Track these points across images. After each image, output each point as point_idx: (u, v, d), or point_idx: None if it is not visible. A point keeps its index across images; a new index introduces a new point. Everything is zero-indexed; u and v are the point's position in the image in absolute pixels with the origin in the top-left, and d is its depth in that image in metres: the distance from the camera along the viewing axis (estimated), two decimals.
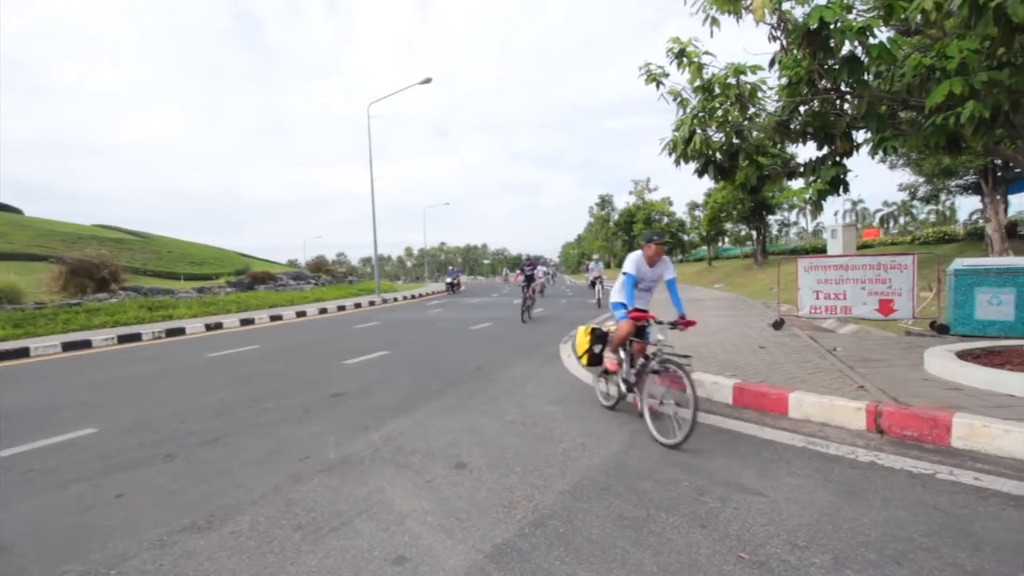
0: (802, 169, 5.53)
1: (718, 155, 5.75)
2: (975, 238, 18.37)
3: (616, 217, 65.30)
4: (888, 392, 4.36)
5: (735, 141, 5.41)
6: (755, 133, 5.66)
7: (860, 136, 5.11)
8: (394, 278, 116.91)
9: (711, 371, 5.43)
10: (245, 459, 3.98)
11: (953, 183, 17.63)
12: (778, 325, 8.38)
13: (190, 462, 3.98)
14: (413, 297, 26.95)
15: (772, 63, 5.27)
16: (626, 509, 2.85)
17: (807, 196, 4.96)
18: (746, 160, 5.45)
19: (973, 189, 17.54)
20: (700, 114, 5.25)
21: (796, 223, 60.82)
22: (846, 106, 5.36)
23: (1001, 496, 2.84)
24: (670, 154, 5.95)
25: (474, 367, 7.23)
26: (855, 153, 5.09)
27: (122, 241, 41.11)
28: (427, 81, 21.45)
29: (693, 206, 48.82)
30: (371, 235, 23.80)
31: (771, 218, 35.52)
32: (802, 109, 5.35)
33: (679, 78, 5.39)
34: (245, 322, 14.60)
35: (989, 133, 3.82)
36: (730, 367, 5.64)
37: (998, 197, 15.01)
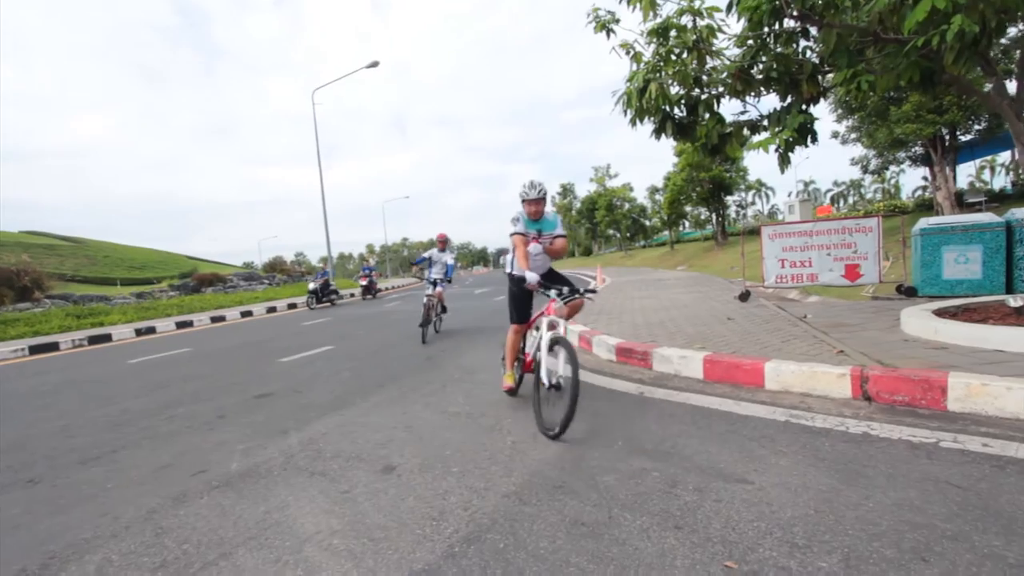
0: (765, 122, 5.09)
1: (676, 110, 5.26)
2: (923, 209, 18.76)
3: (578, 205, 65.26)
4: (870, 355, 3.96)
5: (694, 92, 4.91)
6: (713, 90, 5.18)
7: (827, 82, 4.69)
8: (352, 275, 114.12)
9: (678, 344, 4.95)
10: (125, 478, 3.25)
11: (902, 154, 17.94)
12: (744, 297, 8.04)
13: (56, 487, 3.22)
14: None
15: (730, 6, 4.80)
16: (583, 512, 2.29)
17: (773, 147, 4.52)
18: (707, 112, 4.97)
19: (921, 160, 17.89)
20: (656, 60, 4.72)
21: (753, 203, 62.10)
22: (810, 54, 4.96)
23: (1018, 463, 2.42)
24: (624, 111, 5.41)
25: (424, 357, 6.59)
26: (823, 100, 4.68)
27: (52, 247, 38.16)
28: (374, 65, 20.40)
29: (653, 190, 49.09)
30: (330, 232, 22.77)
31: (729, 199, 35.94)
32: (764, 59, 4.90)
33: (631, 21, 4.84)
34: (182, 325, 13.46)
35: (971, 59, 3.42)
36: (698, 340, 5.19)
37: (947, 167, 15.26)
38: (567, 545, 2.04)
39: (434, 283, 8.45)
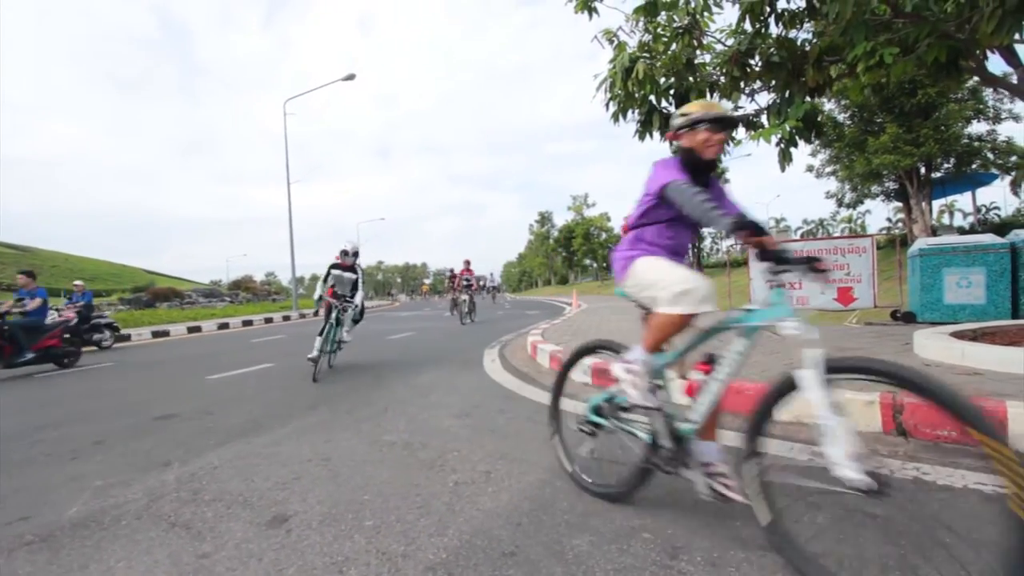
0: (763, 117, 4.55)
1: (664, 102, 4.70)
2: (894, 245, 18.85)
3: (556, 234, 65.38)
4: None
5: (689, 79, 4.35)
6: (706, 77, 4.65)
7: (835, 71, 4.19)
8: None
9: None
10: None
11: (876, 188, 18.06)
12: None
13: None
14: None
15: None
16: None
17: (775, 138, 3.96)
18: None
19: (895, 195, 18.02)
20: (644, 38, 4.17)
21: (728, 237, 63.07)
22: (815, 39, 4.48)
23: None
24: (606, 104, 4.85)
25: (373, 376, 5.73)
26: (827, 91, 4.17)
27: None
28: (350, 77, 19.86)
29: None
30: (303, 254, 21.65)
31: (705, 231, 36.21)
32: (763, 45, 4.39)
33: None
34: (118, 339, 12.23)
35: (1015, 27, 2.91)
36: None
37: (923, 201, 15.30)
38: None
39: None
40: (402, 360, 6.95)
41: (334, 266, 6.16)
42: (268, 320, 17.98)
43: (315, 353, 5.56)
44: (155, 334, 13.29)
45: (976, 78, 4.00)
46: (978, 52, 3.51)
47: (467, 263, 13.77)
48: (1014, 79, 3.89)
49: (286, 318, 19.18)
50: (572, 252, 57.95)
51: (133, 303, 24.11)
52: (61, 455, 3.33)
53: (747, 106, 4.94)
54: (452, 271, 14.82)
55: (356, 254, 6.26)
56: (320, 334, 5.70)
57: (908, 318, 6.40)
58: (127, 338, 12.52)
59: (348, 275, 6.20)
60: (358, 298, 6.13)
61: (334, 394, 4.81)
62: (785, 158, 4.20)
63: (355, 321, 6.30)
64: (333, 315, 5.82)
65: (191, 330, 14.38)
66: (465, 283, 13.14)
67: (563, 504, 2.14)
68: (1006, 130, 37.49)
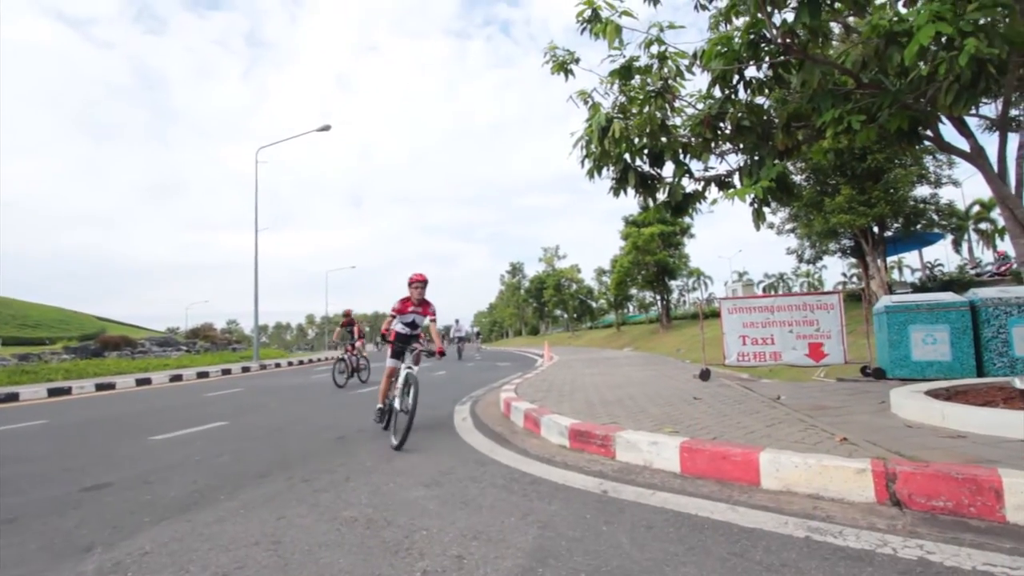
0: (735, 177, 4.65)
1: (638, 160, 4.77)
2: (854, 299, 19.54)
3: (527, 284, 65.72)
4: (880, 445, 3.22)
5: (662, 139, 4.44)
6: (680, 138, 4.77)
7: (802, 135, 4.34)
8: (292, 347, 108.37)
9: (645, 428, 4.07)
10: None
11: (834, 245, 18.90)
12: (705, 375, 7.38)
13: None
14: (301, 363, 23.87)
15: (696, 56, 4.50)
16: None
17: (750, 197, 4.01)
18: (672, 161, 4.49)
19: (851, 252, 18.85)
20: (619, 100, 4.26)
21: (694, 290, 64.67)
22: (773, 114, 4.66)
23: None
24: (582, 161, 4.90)
25: (335, 437, 5.36)
26: (796, 154, 4.30)
27: None
28: (325, 128, 20.02)
29: (600, 272, 50.24)
30: (269, 302, 20.94)
31: (673, 283, 36.97)
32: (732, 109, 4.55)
33: (591, 59, 4.55)
34: (56, 392, 11.33)
35: (971, 100, 3.05)
36: (667, 422, 4.34)
37: (878, 258, 16.02)
38: None
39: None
40: (367, 418, 6.56)
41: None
42: (226, 372, 17.07)
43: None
44: (99, 387, 12.37)
45: (927, 145, 4.31)
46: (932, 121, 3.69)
47: (420, 282, 5.81)
48: (966, 147, 4.09)
49: (245, 369, 18.28)
50: (543, 303, 58.14)
51: (79, 352, 22.68)
52: None
53: (718, 166, 5.07)
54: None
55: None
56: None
57: (879, 374, 6.46)
58: (67, 391, 11.57)
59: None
60: None
61: (291, 458, 4.43)
62: (759, 217, 4.26)
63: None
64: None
65: (140, 382, 13.46)
66: (350, 336, 7.96)
67: None
68: (947, 194, 40.48)
